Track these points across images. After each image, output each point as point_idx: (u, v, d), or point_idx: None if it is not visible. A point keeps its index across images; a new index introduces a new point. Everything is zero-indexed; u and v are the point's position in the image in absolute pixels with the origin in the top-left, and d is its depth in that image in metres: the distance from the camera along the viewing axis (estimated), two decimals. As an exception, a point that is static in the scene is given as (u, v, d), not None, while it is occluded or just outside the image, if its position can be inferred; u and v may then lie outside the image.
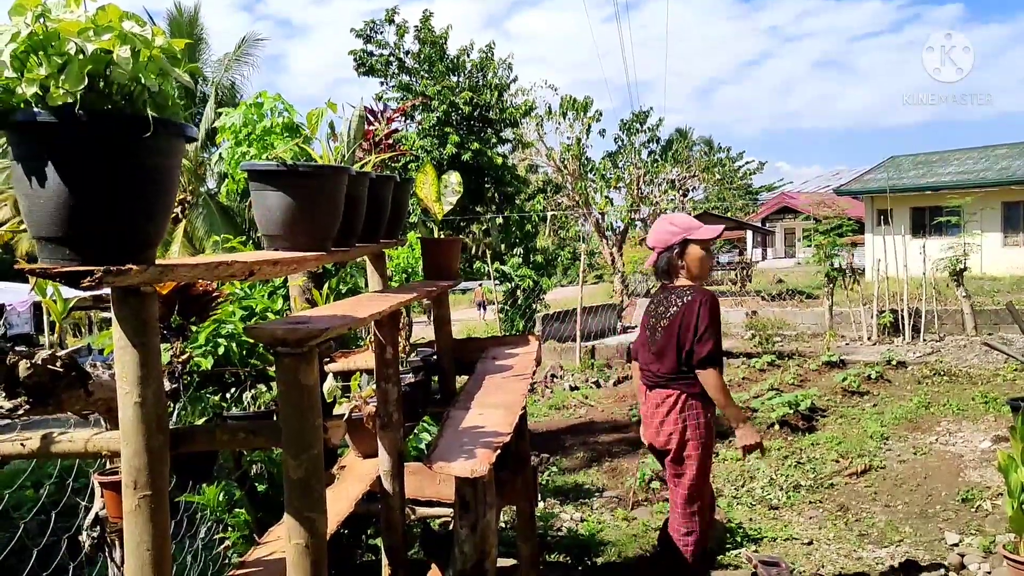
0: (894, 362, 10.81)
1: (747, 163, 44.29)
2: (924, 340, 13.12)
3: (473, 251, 17.16)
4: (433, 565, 2.95)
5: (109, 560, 2.50)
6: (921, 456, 6.61)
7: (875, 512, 5.41)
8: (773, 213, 44.16)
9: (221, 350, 3.10)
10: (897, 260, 14.28)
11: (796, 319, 16.22)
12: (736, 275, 26.03)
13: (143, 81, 1.49)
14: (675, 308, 3.46)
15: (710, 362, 3.32)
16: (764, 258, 41.76)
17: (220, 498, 3.53)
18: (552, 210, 22.02)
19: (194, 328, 2.96)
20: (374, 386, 2.91)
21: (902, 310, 13.70)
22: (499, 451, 1.84)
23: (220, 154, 4.33)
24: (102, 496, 2.45)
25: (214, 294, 2.84)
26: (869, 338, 13.70)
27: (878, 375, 9.93)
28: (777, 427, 7.60)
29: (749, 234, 38.81)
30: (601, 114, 23.38)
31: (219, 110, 4.62)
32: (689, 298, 3.42)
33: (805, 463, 6.56)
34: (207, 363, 3.03)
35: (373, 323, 2.56)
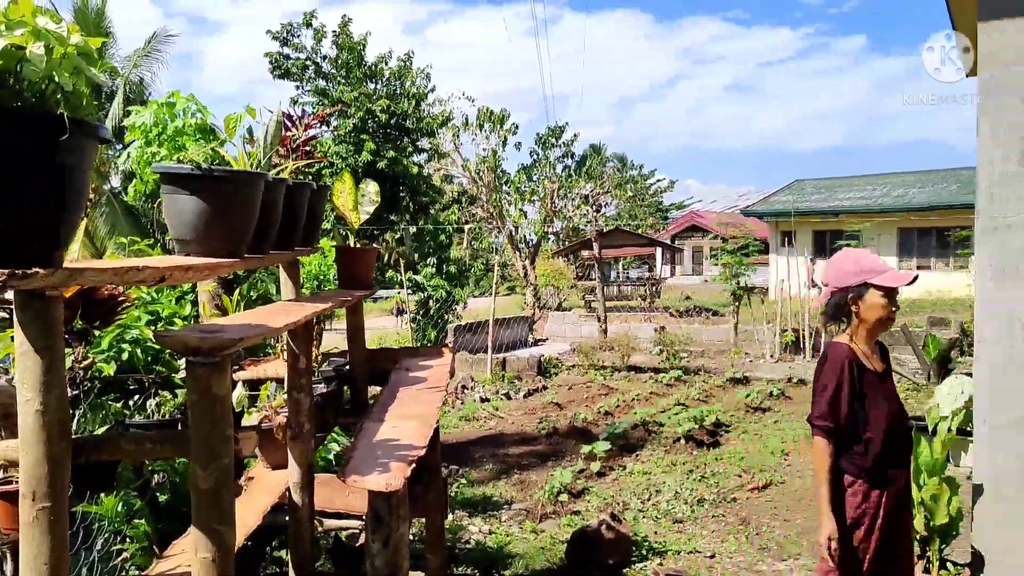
0: (795, 379, 11.26)
1: (658, 181, 45.44)
2: (821, 358, 13.70)
3: (386, 260, 17.00)
4: (343, 579, 2.91)
5: (-3, 576, 2.37)
6: (817, 470, 6.89)
7: (775, 526, 5.61)
8: (682, 231, 45.39)
9: (125, 356, 2.98)
10: (800, 281, 14.90)
11: (703, 335, 16.70)
12: (645, 291, 26.60)
13: (56, 79, 1.44)
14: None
15: (813, 425, 2.97)
16: (673, 275, 42.83)
17: (119, 508, 3.39)
18: (467, 221, 22.05)
19: (97, 332, 2.84)
20: (285, 396, 2.85)
21: (803, 329, 14.29)
22: (414, 465, 1.84)
23: (128, 153, 4.18)
24: (-10, 509, 2.32)
25: (120, 298, 2.73)
26: (772, 355, 14.22)
27: (780, 392, 10.32)
28: (683, 442, 7.79)
29: (659, 251, 39.72)
30: (517, 127, 23.59)
31: (128, 108, 4.46)
32: (824, 352, 3.12)
33: (709, 477, 6.75)
34: (110, 369, 2.91)
35: (287, 332, 2.51)
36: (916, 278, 3.58)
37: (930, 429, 5.19)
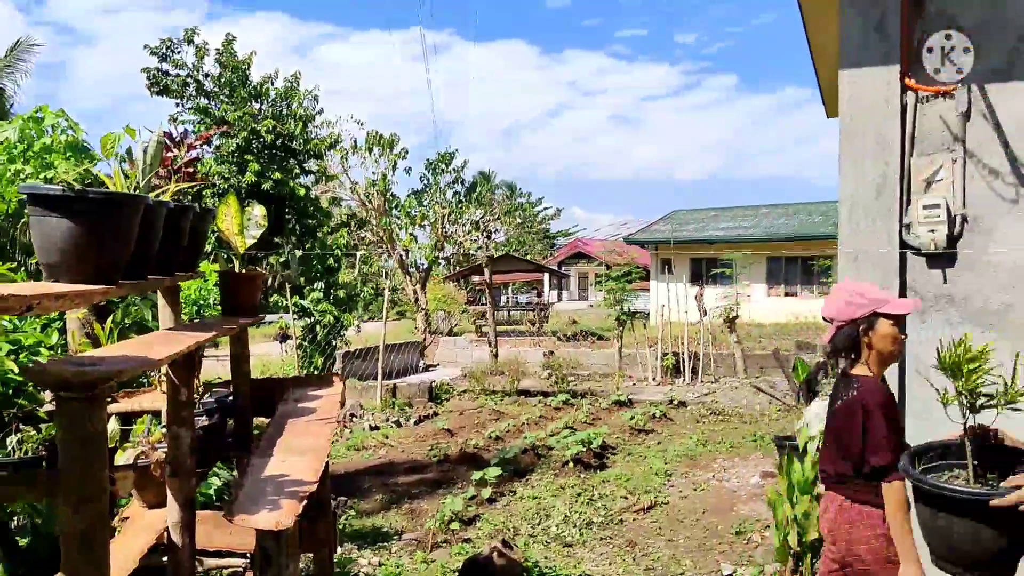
0: (676, 402, 11.63)
1: (545, 208, 46.36)
2: (702, 381, 14.24)
3: (271, 283, 16.55)
4: (224, 621, 2.78)
5: None
6: (700, 492, 7.12)
7: (660, 547, 5.75)
8: (568, 257, 46.33)
9: (-17, 390, 2.77)
10: (679, 306, 15.46)
11: (589, 359, 17.02)
12: (534, 316, 26.92)
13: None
14: (840, 401, 3.06)
15: (893, 474, 2.79)
16: (560, 300, 43.55)
17: (-28, 556, 3.13)
18: (356, 245, 21.74)
19: (-49, 365, 2.63)
20: (164, 430, 2.72)
21: (683, 353, 14.80)
22: (305, 501, 1.79)
23: (-10, 172, 3.92)
24: None
25: (-22, 328, 2.55)
26: (654, 378, 14.64)
27: (662, 414, 10.63)
28: (571, 465, 7.90)
29: (546, 277, 40.35)
30: (407, 152, 23.52)
31: (-10, 122, 4.18)
32: (855, 392, 2.97)
33: (597, 500, 6.86)
34: (-35, 404, 2.69)
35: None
36: (917, 305, 3.61)
37: (801, 448, 5.45)
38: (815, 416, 5.75)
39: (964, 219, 3.71)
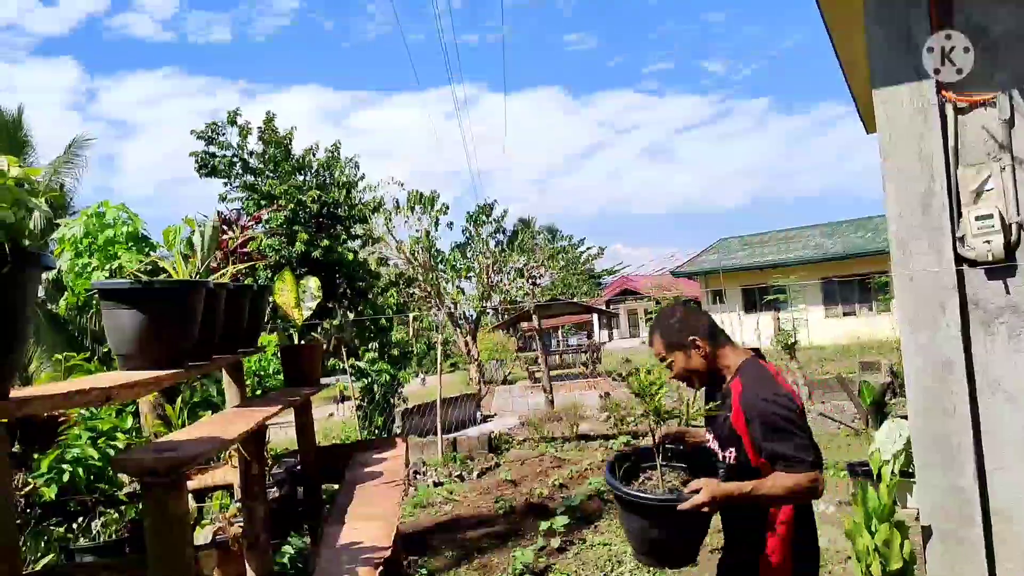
0: (739, 434, 11.41)
1: (588, 248, 46.31)
2: (764, 411, 13.94)
3: (327, 347, 16.80)
4: None
5: None
6: (772, 524, 6.94)
7: (736, 583, 5.60)
8: (616, 295, 46.15)
9: (66, 477, 2.87)
10: (735, 336, 15.22)
11: (647, 398, 16.81)
12: (586, 358, 26.80)
13: (-3, 211, 1.44)
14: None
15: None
16: (611, 339, 43.31)
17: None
18: (406, 302, 22.02)
19: (36, 456, 2.74)
20: (237, 504, 2.79)
21: (742, 383, 14.54)
22: (380, 567, 1.82)
23: (59, 266, 4.11)
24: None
25: (59, 418, 2.66)
26: (715, 412, 14.39)
27: (726, 448, 10.43)
28: (639, 507, 7.78)
29: (595, 317, 40.24)
30: (448, 207, 23.90)
31: (57, 220, 4.40)
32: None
33: (668, 541, 6.73)
34: (51, 492, 2.80)
35: (238, 439, 2.48)
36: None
37: (875, 474, 5.32)
38: (886, 439, 5.62)
39: (1020, 226, 3.64)
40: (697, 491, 2.33)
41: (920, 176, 3.90)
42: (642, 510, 2.44)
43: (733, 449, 2.68)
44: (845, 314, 25.40)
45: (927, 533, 3.99)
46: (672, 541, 2.51)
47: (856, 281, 24.83)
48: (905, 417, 5.37)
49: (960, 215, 3.80)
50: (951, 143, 3.86)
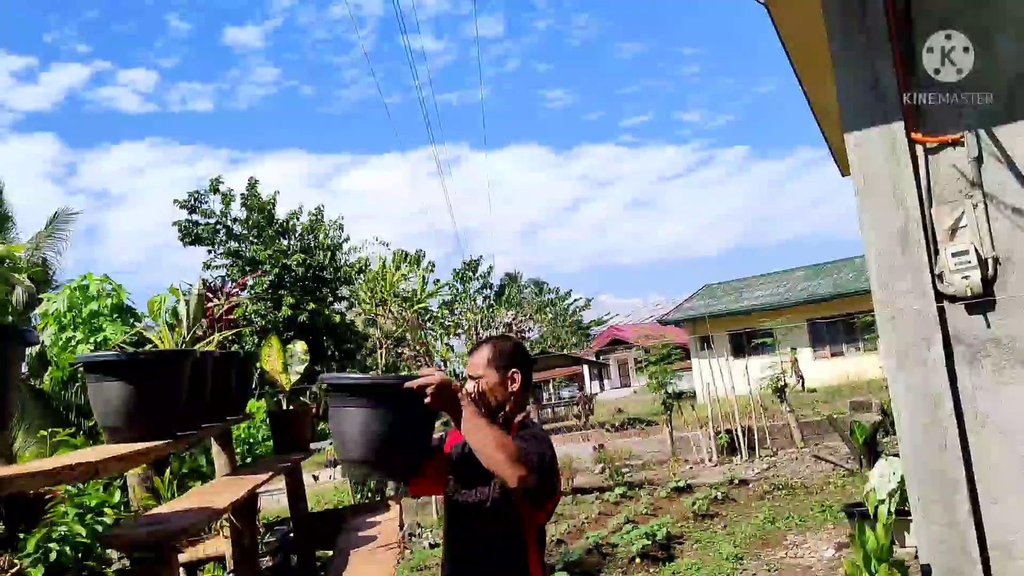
0: (736, 481, 11.32)
1: (575, 300, 46.48)
2: (760, 456, 13.86)
3: (315, 411, 16.64)
4: None
5: None
6: (775, 572, 6.87)
7: (741, 634, 5.51)
8: (605, 346, 46.10)
9: (53, 556, 2.82)
10: (724, 382, 15.23)
11: (641, 448, 16.71)
12: (579, 409, 26.64)
13: (-18, 289, 1.45)
14: None
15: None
16: (602, 389, 43.13)
17: None
18: (395, 361, 21.90)
19: (22, 536, 2.70)
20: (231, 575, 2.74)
21: (736, 430, 14.48)
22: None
23: (43, 341, 4.09)
24: None
25: (46, 496, 2.62)
26: (710, 459, 14.30)
27: (724, 495, 10.34)
28: (639, 560, 7.68)
29: (585, 368, 40.13)
30: (434, 266, 24.02)
31: (39, 295, 4.39)
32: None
33: (670, 594, 6.63)
34: (38, 573, 2.74)
35: (228, 509, 2.44)
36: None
37: (871, 514, 5.29)
38: (880, 478, 5.60)
39: (996, 260, 3.71)
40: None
41: (896, 215, 3.97)
42: (365, 394, 2.15)
43: (486, 488, 2.43)
44: (833, 355, 25.49)
45: (926, 571, 3.95)
46: (397, 438, 2.18)
47: (841, 321, 24.98)
48: (898, 455, 5.37)
49: (937, 252, 3.86)
50: (923, 182, 3.95)
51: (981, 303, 3.70)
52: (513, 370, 2.54)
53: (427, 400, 2.14)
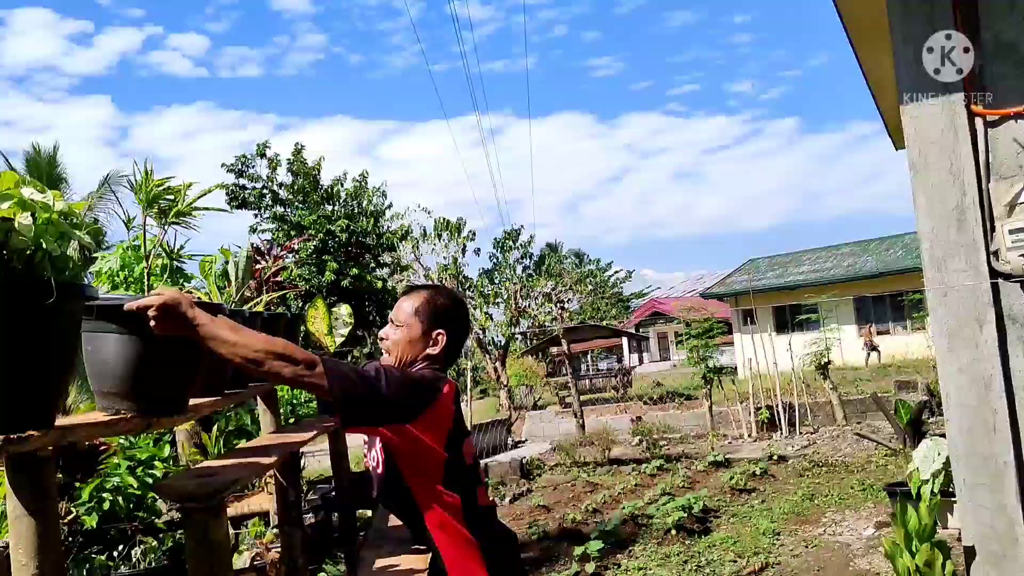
0: (775, 457, 11.26)
1: (616, 272, 46.27)
2: (800, 433, 13.74)
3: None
4: None
5: None
6: (812, 548, 6.83)
7: (776, 609, 5.52)
8: (645, 319, 45.88)
9: (107, 506, 2.93)
10: (767, 357, 15.08)
11: (679, 421, 16.68)
12: (617, 382, 26.64)
13: (44, 245, 1.49)
14: None
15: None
16: (641, 363, 43.00)
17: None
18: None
19: (78, 485, 2.80)
20: (274, 530, 2.82)
21: (777, 406, 14.36)
22: (418, 589, 1.83)
23: (97, 299, 4.21)
24: None
25: (100, 447, 2.71)
26: (750, 435, 14.22)
27: (762, 471, 10.29)
28: (674, 532, 7.69)
29: (625, 340, 40.03)
30: (475, 234, 24.04)
31: (93, 255, 4.50)
32: None
33: (705, 566, 6.65)
34: (92, 521, 2.85)
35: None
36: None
37: (914, 494, 5.22)
38: (924, 458, 5.51)
39: (1054, 239, 3.60)
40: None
41: (951, 191, 3.86)
42: (109, 318, 1.79)
43: (375, 450, 2.25)
44: (879, 333, 25.04)
45: (970, 554, 3.90)
46: (145, 367, 1.82)
47: (889, 299, 24.49)
48: (943, 435, 5.28)
49: (993, 229, 3.76)
50: (982, 157, 3.83)
51: (1037, 282, 3.60)
52: (439, 331, 2.27)
53: (152, 325, 1.73)
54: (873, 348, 23.14)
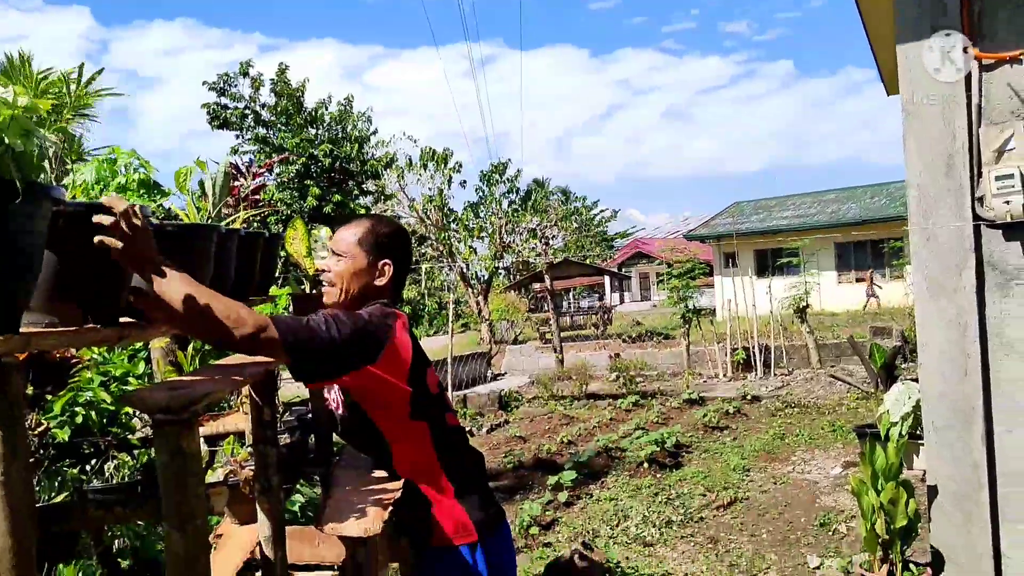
0: (749, 396, 11.45)
1: (601, 211, 46.17)
2: (775, 375, 13.97)
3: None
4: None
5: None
6: (780, 485, 7.00)
7: (742, 542, 5.66)
8: (628, 259, 46.02)
9: (79, 419, 2.90)
10: (746, 300, 15.21)
11: (656, 360, 16.88)
12: (597, 319, 26.83)
13: (6, 141, 1.43)
14: None
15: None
16: (622, 302, 43.27)
17: (78, 579, 3.29)
18: (417, 261, 22.04)
19: (49, 397, 2.77)
20: (249, 449, 2.81)
21: (753, 347, 14.55)
22: (391, 508, 1.84)
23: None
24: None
25: (72, 360, 2.68)
26: (725, 375, 14.43)
27: (735, 410, 10.48)
28: (647, 465, 7.85)
29: (607, 279, 40.19)
30: (461, 165, 23.77)
31: (67, 168, 4.39)
32: None
33: (675, 499, 6.80)
34: (64, 434, 2.83)
35: (248, 384, 2.48)
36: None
37: (883, 435, 5.32)
38: (895, 402, 5.61)
39: (1040, 187, 3.59)
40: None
41: (943, 135, 3.83)
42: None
43: (334, 392, 2.34)
44: (858, 280, 25.27)
45: (933, 493, 3.99)
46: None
47: (870, 246, 24.65)
48: (915, 380, 5.36)
49: (980, 175, 3.74)
50: (975, 100, 3.79)
51: (1020, 229, 3.61)
52: (385, 261, 2.21)
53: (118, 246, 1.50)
54: (873, 295, 23.33)
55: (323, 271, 2.22)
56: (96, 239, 1.51)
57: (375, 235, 2.22)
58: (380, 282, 2.20)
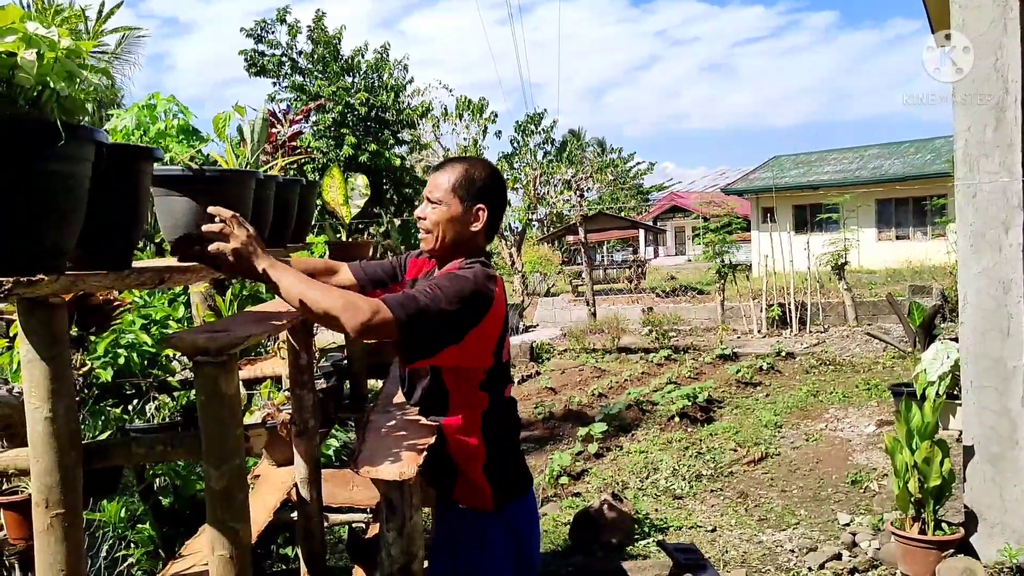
0: (783, 353, 11.38)
1: (637, 164, 45.55)
2: (810, 332, 13.84)
3: (374, 253, 16.94)
4: (356, 569, 2.93)
5: (8, 586, 2.38)
6: (812, 442, 6.98)
7: (772, 497, 5.68)
8: (664, 212, 45.49)
9: (121, 361, 2.98)
10: (783, 256, 15.02)
11: (690, 314, 16.80)
12: (631, 273, 26.71)
13: (51, 84, 1.44)
14: None
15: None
16: (656, 256, 42.98)
17: (122, 514, 3.40)
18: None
19: (93, 339, 2.84)
20: (286, 393, 2.87)
21: (789, 304, 14.40)
22: (424, 453, 1.86)
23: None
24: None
25: (114, 303, 2.74)
26: (759, 331, 14.33)
27: (769, 366, 10.42)
28: (677, 419, 7.87)
29: (641, 233, 39.88)
30: (496, 115, 23.59)
31: (108, 112, 4.43)
32: None
33: (705, 453, 6.82)
34: (107, 375, 2.91)
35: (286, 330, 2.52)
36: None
37: (919, 394, 5.27)
38: (933, 361, 5.54)
39: (1096, 144, 3.47)
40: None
41: (994, 87, 3.70)
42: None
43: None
44: (898, 237, 24.77)
45: (969, 453, 3.96)
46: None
47: (912, 203, 24.09)
48: (954, 340, 5.28)
49: (1034, 129, 3.63)
50: (1031, 52, 3.66)
51: (1073, 187, 3.50)
52: (479, 206, 2.15)
53: (221, 267, 1.78)
54: None
55: (420, 219, 2.19)
56: (211, 247, 1.71)
57: (469, 180, 2.16)
58: (475, 227, 2.16)
